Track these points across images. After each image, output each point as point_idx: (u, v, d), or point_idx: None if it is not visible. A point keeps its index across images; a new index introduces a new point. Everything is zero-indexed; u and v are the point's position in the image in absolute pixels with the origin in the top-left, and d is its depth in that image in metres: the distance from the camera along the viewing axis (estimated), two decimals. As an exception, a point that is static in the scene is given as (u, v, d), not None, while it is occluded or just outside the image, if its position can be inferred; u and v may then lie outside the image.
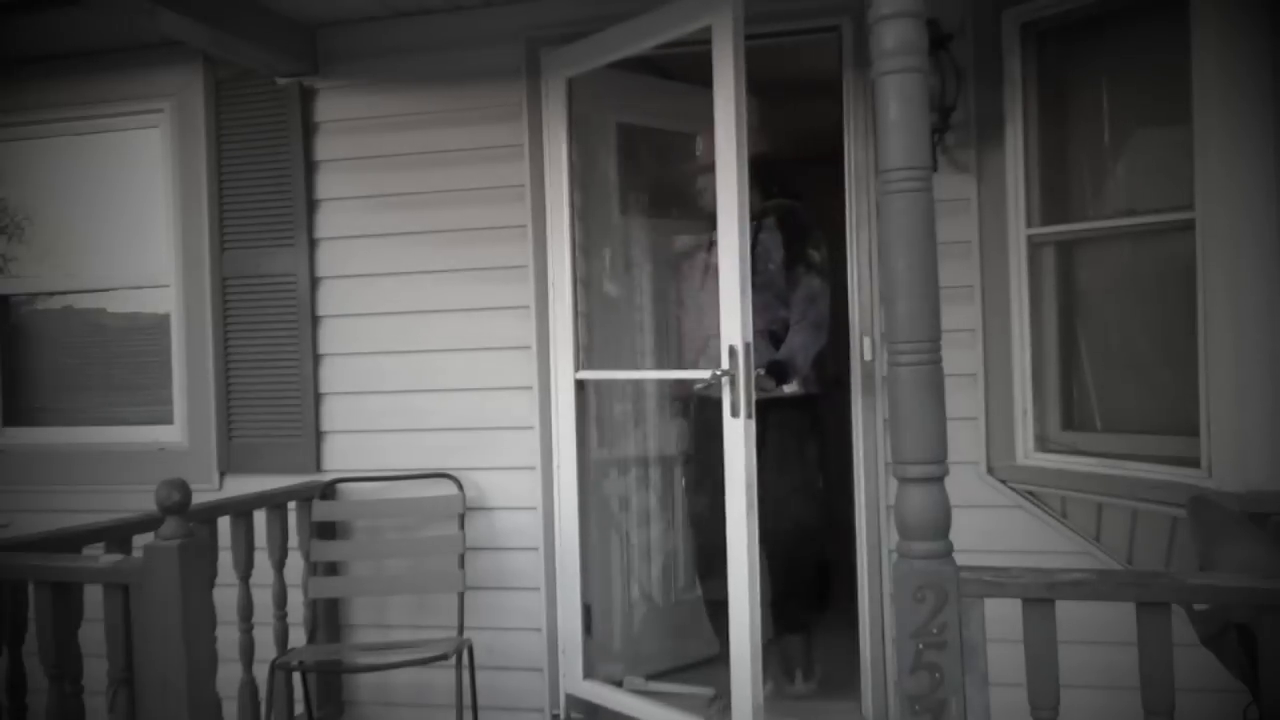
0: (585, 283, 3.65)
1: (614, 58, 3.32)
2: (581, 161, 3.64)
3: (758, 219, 3.34)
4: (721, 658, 3.33)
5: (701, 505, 3.91)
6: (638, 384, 3.97)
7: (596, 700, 3.46)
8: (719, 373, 2.94)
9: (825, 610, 3.89)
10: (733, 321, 2.94)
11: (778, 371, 3.49)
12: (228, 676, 2.88)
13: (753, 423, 2.92)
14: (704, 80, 3.01)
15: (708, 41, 2.96)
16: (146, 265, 4.04)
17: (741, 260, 2.91)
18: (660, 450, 3.98)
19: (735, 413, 2.93)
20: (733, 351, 2.92)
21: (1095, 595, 1.88)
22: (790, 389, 3.56)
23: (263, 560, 3.44)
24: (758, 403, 2.96)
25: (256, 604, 3.37)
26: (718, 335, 2.99)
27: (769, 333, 3.53)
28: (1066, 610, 1.86)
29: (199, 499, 2.66)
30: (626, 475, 3.92)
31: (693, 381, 3.71)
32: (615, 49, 3.30)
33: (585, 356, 3.60)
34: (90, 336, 4.24)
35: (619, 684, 3.58)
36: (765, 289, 3.47)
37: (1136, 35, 3.00)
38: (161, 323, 4.03)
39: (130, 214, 4.08)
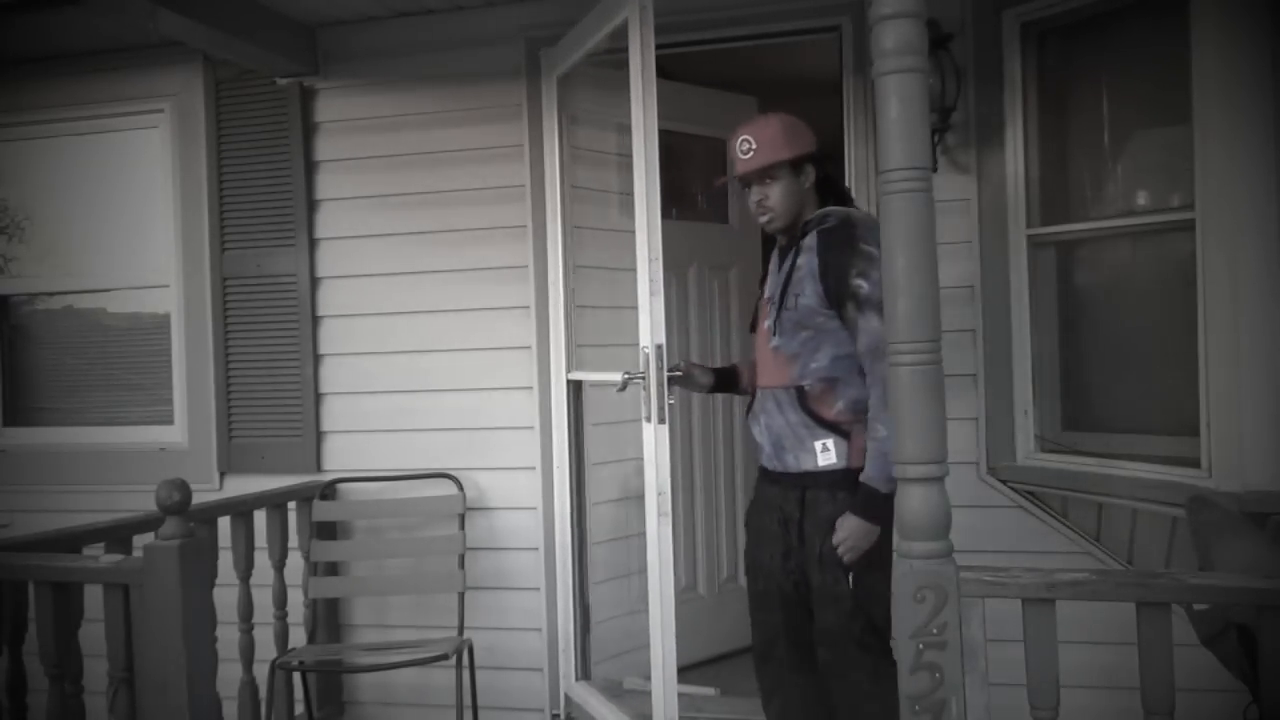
0: (585, 281, 3.65)
1: (581, 53, 3.28)
2: (582, 161, 3.63)
3: (797, 235, 2.55)
4: (721, 658, 3.36)
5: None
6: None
7: (598, 699, 3.46)
8: (629, 374, 2.85)
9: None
10: (645, 323, 2.80)
11: (870, 507, 2.37)
12: (228, 676, 2.88)
13: (665, 428, 2.79)
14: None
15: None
16: (147, 265, 4.04)
17: (652, 260, 2.79)
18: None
19: (649, 418, 2.79)
20: (645, 355, 2.78)
21: (1095, 595, 1.88)
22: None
23: (263, 560, 3.44)
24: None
25: (256, 604, 3.37)
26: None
27: (798, 390, 2.49)
28: (1066, 610, 1.86)
29: (199, 499, 2.66)
30: (631, 474, 3.91)
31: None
32: (580, 43, 3.27)
33: (579, 357, 3.60)
34: (91, 336, 4.24)
35: (619, 683, 3.57)
36: (798, 329, 2.48)
37: (1136, 35, 3.00)
38: (162, 323, 4.03)
39: (130, 214, 4.08)
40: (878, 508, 2.35)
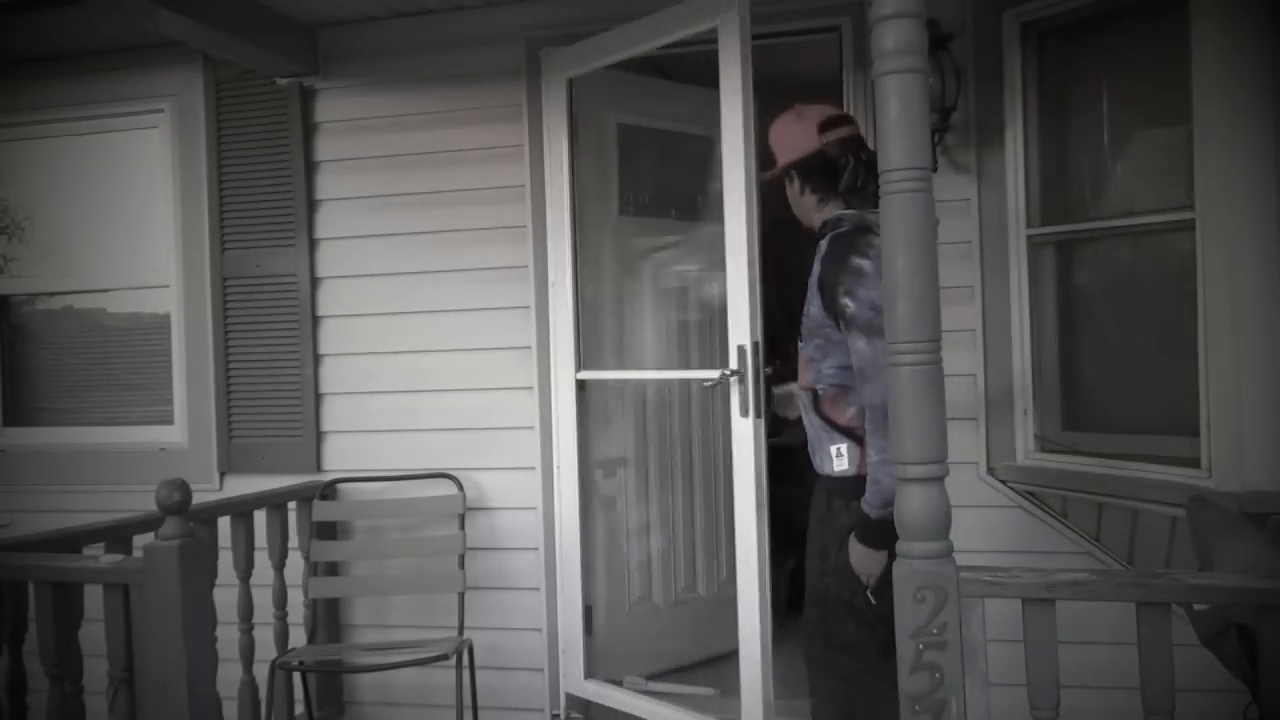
0: (589, 281, 3.65)
1: (616, 59, 3.32)
2: (582, 162, 3.64)
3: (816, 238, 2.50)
4: (721, 657, 3.35)
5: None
6: (658, 384, 3.96)
7: (598, 700, 3.46)
8: (728, 372, 2.95)
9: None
10: (741, 321, 2.95)
11: (866, 533, 2.32)
12: (228, 676, 2.88)
13: (762, 422, 2.92)
14: (705, 80, 3.01)
15: (712, 41, 2.96)
16: (147, 265, 4.04)
17: (749, 262, 2.92)
18: (663, 450, 3.97)
19: (744, 412, 2.93)
20: (741, 351, 2.93)
21: (1095, 595, 1.88)
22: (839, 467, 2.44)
23: (263, 560, 3.44)
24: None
25: (257, 604, 3.37)
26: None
27: (813, 394, 2.46)
28: (1066, 610, 1.86)
29: (199, 499, 2.66)
30: (630, 475, 3.91)
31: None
32: (616, 50, 3.30)
33: (587, 357, 3.60)
34: (91, 336, 4.24)
35: (619, 683, 3.57)
36: (811, 335, 2.45)
37: (1136, 35, 3.00)
38: (162, 323, 4.03)
39: (130, 214, 4.08)
40: (876, 533, 2.29)
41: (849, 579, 2.39)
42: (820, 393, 2.45)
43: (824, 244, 2.42)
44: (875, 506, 2.28)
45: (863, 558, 2.34)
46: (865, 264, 2.30)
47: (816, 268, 2.40)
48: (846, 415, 2.42)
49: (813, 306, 2.42)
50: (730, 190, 2.97)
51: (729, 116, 2.95)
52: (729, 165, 2.96)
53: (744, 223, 2.92)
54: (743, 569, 3.00)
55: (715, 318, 4.21)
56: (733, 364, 2.95)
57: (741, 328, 2.95)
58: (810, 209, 2.50)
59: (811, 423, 2.50)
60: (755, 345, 2.91)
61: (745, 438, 2.96)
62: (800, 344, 2.51)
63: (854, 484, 2.38)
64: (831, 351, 2.41)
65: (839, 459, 2.42)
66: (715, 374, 3.02)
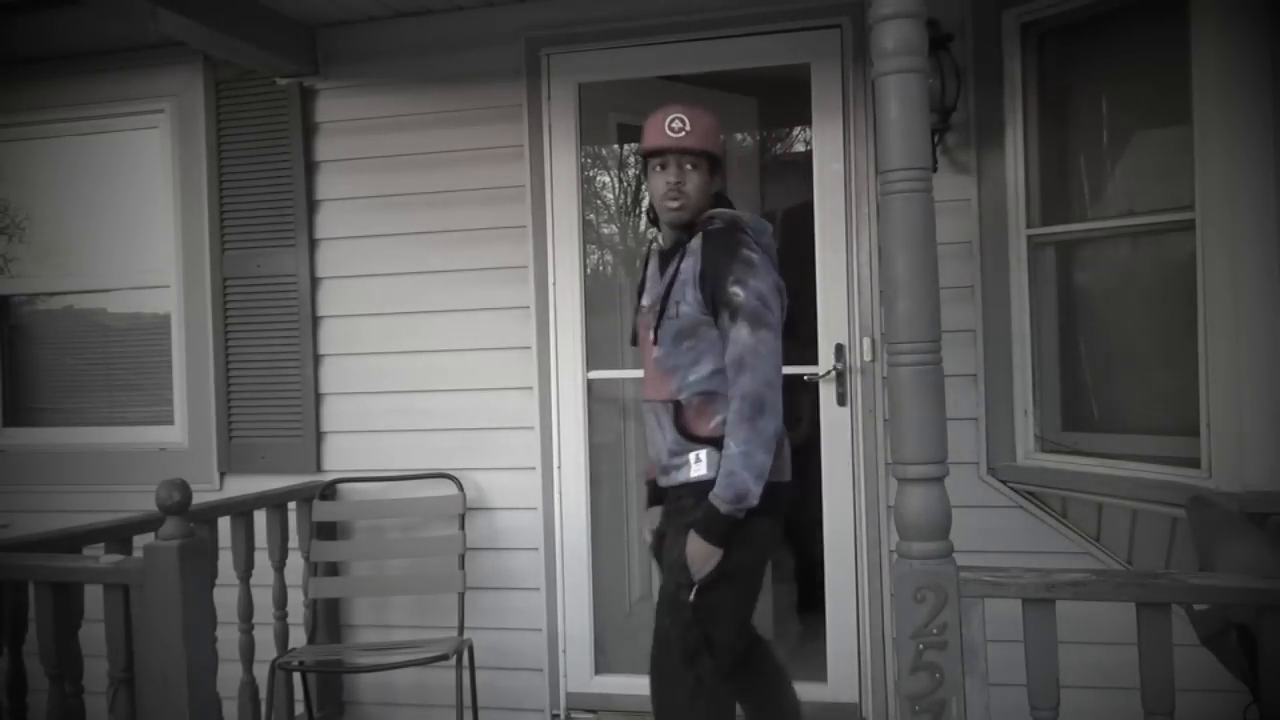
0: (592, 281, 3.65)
1: (631, 76, 3.50)
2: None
3: (684, 239, 2.45)
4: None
5: None
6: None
7: (612, 695, 3.48)
8: (832, 369, 3.32)
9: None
10: (837, 320, 3.37)
11: (710, 526, 2.26)
12: (228, 676, 2.89)
13: (845, 409, 3.34)
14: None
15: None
16: (147, 265, 4.04)
17: (847, 268, 3.34)
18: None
19: (842, 402, 3.35)
20: (839, 348, 3.35)
21: (1095, 595, 1.88)
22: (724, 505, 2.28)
23: (263, 560, 3.44)
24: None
25: (257, 604, 3.37)
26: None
27: (675, 405, 2.38)
28: (1066, 610, 1.86)
29: (199, 499, 2.66)
30: (630, 474, 3.92)
31: None
32: (632, 70, 3.49)
33: (594, 356, 3.60)
34: (90, 337, 4.24)
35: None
36: (679, 340, 2.37)
37: (1136, 35, 3.00)
38: (162, 323, 4.03)
39: (130, 214, 4.08)
40: (719, 528, 2.23)
41: (678, 571, 2.31)
42: (684, 404, 2.37)
43: (699, 240, 2.39)
44: (726, 500, 2.22)
45: (699, 551, 2.27)
46: (754, 256, 2.33)
47: (695, 264, 2.35)
48: (710, 426, 2.35)
49: (685, 304, 2.34)
50: (821, 204, 3.37)
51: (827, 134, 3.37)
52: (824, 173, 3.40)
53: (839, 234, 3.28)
54: (829, 544, 3.35)
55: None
56: (831, 360, 3.34)
57: (839, 327, 3.34)
58: (705, 200, 2.44)
59: (666, 439, 2.40)
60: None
61: (841, 423, 3.36)
62: (656, 356, 2.42)
63: (709, 485, 2.30)
64: (704, 354, 2.35)
65: (697, 464, 2.34)
66: (820, 369, 3.38)
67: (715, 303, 2.30)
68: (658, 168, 2.43)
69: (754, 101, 4.22)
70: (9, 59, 4.01)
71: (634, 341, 2.59)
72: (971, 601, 1.85)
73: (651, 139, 2.43)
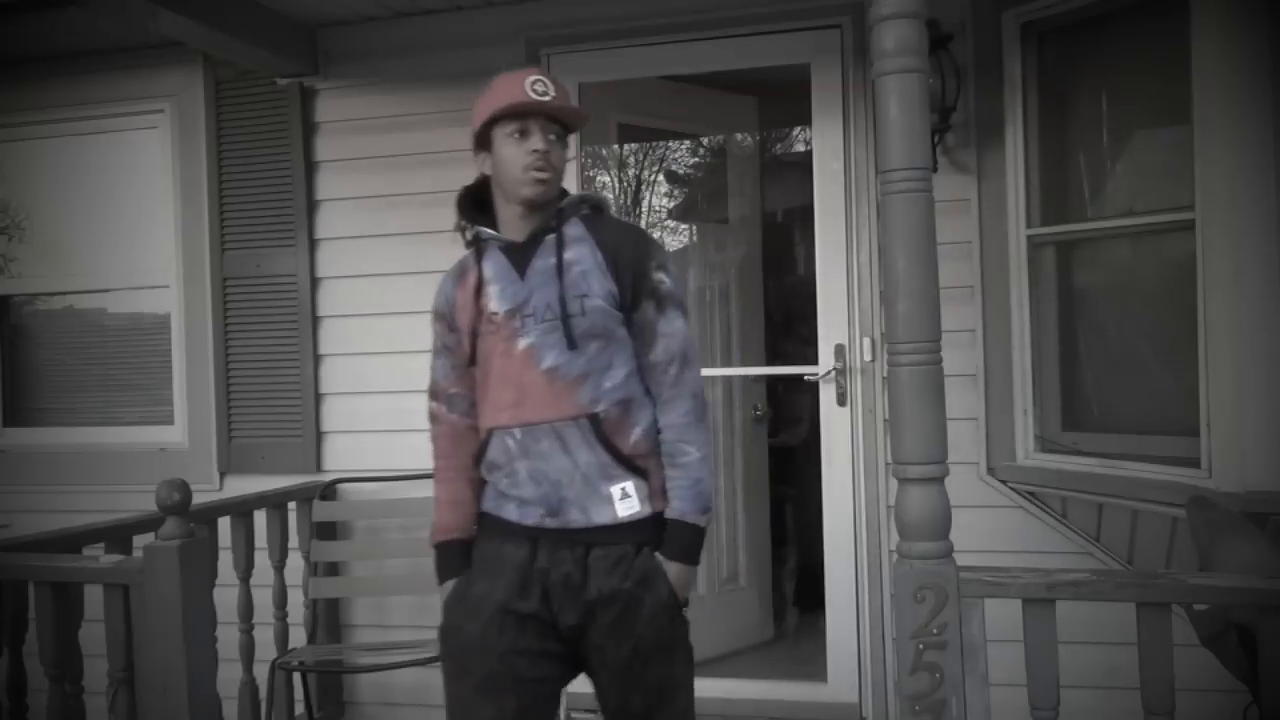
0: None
1: (636, 75, 3.49)
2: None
3: (548, 225, 2.00)
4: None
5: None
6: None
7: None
8: (832, 369, 3.31)
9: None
10: (837, 321, 3.39)
11: (691, 547, 1.96)
12: (228, 676, 2.88)
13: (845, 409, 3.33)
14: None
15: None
16: (147, 265, 4.04)
17: (847, 268, 3.33)
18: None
19: (842, 402, 3.36)
20: (839, 349, 3.35)
21: (1095, 595, 1.88)
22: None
23: (263, 560, 3.44)
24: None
25: (257, 604, 3.37)
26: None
27: (592, 419, 1.92)
28: (1066, 610, 1.86)
29: (199, 499, 2.66)
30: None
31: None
32: (637, 70, 3.48)
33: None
34: (91, 336, 4.24)
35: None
36: (587, 341, 1.93)
37: (1137, 35, 3.00)
38: (162, 323, 4.03)
39: (130, 214, 4.08)
40: (698, 544, 1.95)
41: (675, 617, 1.96)
42: (603, 417, 1.93)
43: (582, 225, 2.00)
44: (702, 512, 1.95)
45: (684, 576, 1.97)
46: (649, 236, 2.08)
47: (594, 251, 1.96)
48: (631, 440, 1.95)
49: (592, 299, 1.92)
50: (821, 205, 3.37)
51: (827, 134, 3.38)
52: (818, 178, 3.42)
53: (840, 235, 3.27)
54: (829, 544, 3.34)
55: (715, 316, 4.23)
56: (831, 360, 3.35)
57: (839, 327, 3.37)
58: (561, 175, 2.02)
59: (579, 462, 1.92)
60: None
61: (841, 423, 3.36)
62: (550, 365, 1.93)
63: (652, 526, 1.95)
64: (615, 355, 1.95)
65: (625, 500, 1.93)
66: (817, 370, 3.41)
67: (636, 292, 1.94)
68: (516, 135, 1.98)
69: (754, 101, 4.22)
70: (9, 59, 4.01)
71: (472, 361, 2.09)
72: (971, 601, 1.85)
73: (510, 95, 1.99)
